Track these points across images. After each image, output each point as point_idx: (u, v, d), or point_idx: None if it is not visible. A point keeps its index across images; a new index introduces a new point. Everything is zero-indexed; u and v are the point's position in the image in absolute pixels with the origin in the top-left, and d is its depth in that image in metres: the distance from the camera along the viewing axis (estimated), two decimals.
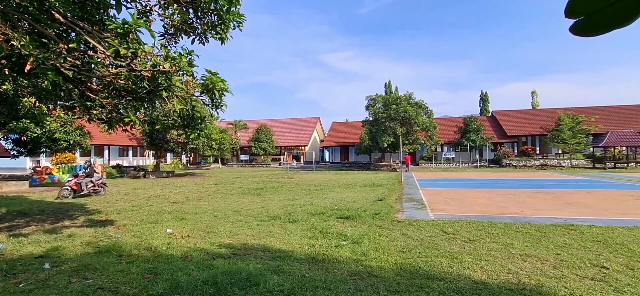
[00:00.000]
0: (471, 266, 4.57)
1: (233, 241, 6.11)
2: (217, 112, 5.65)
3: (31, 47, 3.49)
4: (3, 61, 3.79)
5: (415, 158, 41.96)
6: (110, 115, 5.48)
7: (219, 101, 5.08)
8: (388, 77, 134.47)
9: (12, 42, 3.47)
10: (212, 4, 5.05)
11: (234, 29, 5.40)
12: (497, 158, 37.42)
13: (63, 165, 23.60)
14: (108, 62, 4.27)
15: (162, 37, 5.38)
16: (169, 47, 5.18)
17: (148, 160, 42.05)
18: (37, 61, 3.52)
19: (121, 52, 3.81)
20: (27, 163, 29.55)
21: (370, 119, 36.56)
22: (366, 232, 6.60)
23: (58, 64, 3.78)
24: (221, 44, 5.34)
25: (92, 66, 4.36)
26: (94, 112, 5.64)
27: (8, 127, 15.82)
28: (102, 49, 3.95)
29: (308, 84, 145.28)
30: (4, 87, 6.42)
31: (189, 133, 6.20)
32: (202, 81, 4.90)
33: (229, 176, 26.04)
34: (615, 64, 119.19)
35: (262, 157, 46.38)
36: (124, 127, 5.81)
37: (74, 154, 27.13)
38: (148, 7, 5.11)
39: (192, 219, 8.11)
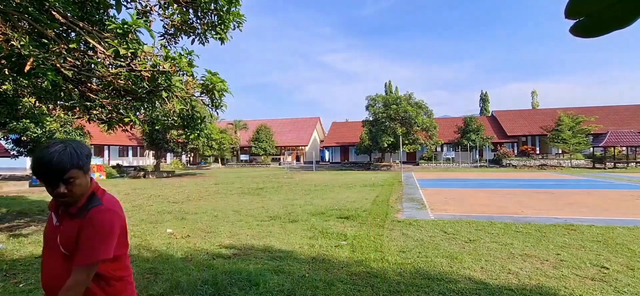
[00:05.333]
0: (471, 266, 4.56)
1: (233, 241, 6.10)
2: (217, 113, 5.65)
3: (31, 47, 3.48)
4: (3, 61, 3.79)
5: (415, 157, 41.97)
6: (110, 115, 5.48)
7: (219, 101, 5.08)
8: (388, 77, 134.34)
9: (12, 42, 3.47)
10: (212, 4, 5.04)
11: (234, 29, 5.40)
12: (497, 158, 37.41)
13: None
14: (108, 63, 4.27)
15: (162, 37, 5.38)
16: (169, 47, 5.17)
17: (148, 160, 42.04)
18: (37, 61, 3.52)
19: (121, 53, 3.80)
20: (27, 163, 29.52)
21: (370, 119, 36.58)
22: (366, 232, 6.59)
23: (58, 64, 3.77)
24: (221, 44, 5.34)
25: (92, 66, 4.36)
26: (94, 112, 5.64)
27: (8, 127, 15.82)
28: (102, 49, 3.94)
29: (309, 85, 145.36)
30: (4, 87, 6.41)
31: (189, 133, 6.20)
32: (202, 81, 4.90)
33: (229, 176, 26.04)
34: (616, 65, 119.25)
35: (262, 157, 46.38)
36: (124, 128, 5.80)
37: None
38: (148, 7, 5.11)
39: (192, 219, 8.10)
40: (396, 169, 33.19)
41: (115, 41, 3.81)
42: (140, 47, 3.97)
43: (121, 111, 5.18)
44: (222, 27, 5.21)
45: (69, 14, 4.05)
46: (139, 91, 4.36)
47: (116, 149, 38.89)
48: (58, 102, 5.28)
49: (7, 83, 5.82)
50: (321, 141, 53.27)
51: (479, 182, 18.75)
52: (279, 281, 4.02)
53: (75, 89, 4.83)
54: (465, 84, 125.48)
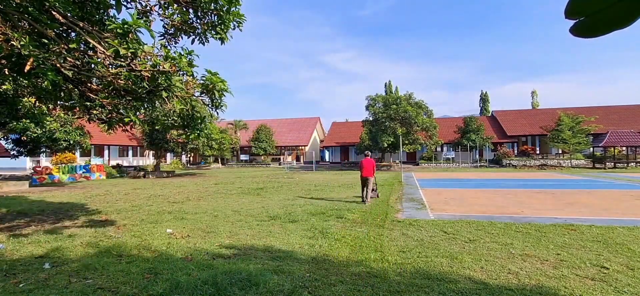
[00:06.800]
0: (471, 266, 4.57)
1: (233, 241, 6.11)
2: (217, 113, 5.66)
3: (31, 47, 3.49)
4: (3, 61, 3.79)
5: (415, 157, 41.97)
6: (110, 115, 5.48)
7: (219, 101, 5.08)
8: (388, 77, 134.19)
9: (12, 42, 3.47)
10: (212, 4, 5.05)
11: (234, 29, 5.40)
12: (497, 158, 37.41)
13: (63, 165, 23.59)
14: (108, 63, 4.27)
15: (162, 37, 5.38)
16: (169, 47, 5.18)
17: (148, 160, 42.05)
18: (37, 61, 3.52)
19: (121, 52, 3.81)
20: (27, 163, 29.54)
21: (370, 119, 36.55)
22: (366, 232, 6.60)
23: (58, 64, 3.78)
24: (221, 44, 5.34)
25: (92, 66, 4.36)
26: (94, 112, 5.64)
27: (8, 127, 15.83)
28: (102, 49, 3.95)
29: (309, 85, 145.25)
30: (4, 87, 6.42)
31: (189, 133, 6.20)
32: (202, 81, 4.91)
33: (229, 176, 26.05)
34: (616, 65, 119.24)
35: (262, 157, 46.38)
36: (124, 127, 5.81)
37: (74, 154, 27.14)
38: (148, 7, 5.11)
39: (192, 219, 8.11)
40: (396, 169, 33.20)
41: (116, 41, 3.81)
42: (141, 47, 3.97)
43: (121, 111, 5.18)
44: (222, 27, 5.22)
45: (69, 14, 4.06)
46: (139, 91, 4.36)
47: (116, 149, 38.89)
48: (58, 102, 5.28)
49: (7, 83, 5.82)
50: (321, 141, 53.28)
51: (479, 182, 18.75)
52: (279, 281, 4.02)
53: (75, 89, 4.83)
54: (465, 84, 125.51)
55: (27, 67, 3.45)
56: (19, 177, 21.23)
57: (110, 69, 4.27)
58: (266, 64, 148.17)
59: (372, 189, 11.26)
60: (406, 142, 33.46)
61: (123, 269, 4.53)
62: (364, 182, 10.85)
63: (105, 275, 4.36)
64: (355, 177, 23.47)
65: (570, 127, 33.53)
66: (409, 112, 32.89)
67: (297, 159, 50.94)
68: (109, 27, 3.92)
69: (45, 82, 3.70)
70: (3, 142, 19.53)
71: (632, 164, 31.68)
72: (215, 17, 5.22)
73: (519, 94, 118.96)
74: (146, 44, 4.14)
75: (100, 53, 4.07)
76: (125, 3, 4.87)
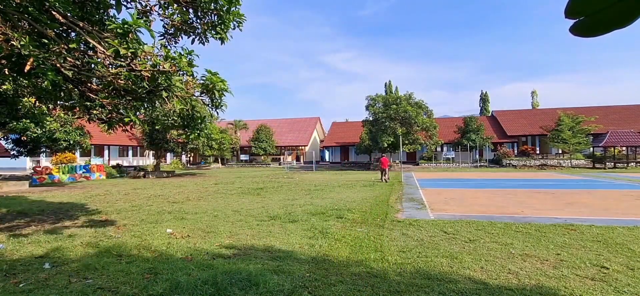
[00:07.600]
0: (471, 266, 4.57)
1: (233, 241, 6.11)
2: (217, 113, 5.66)
3: (31, 47, 3.49)
4: (3, 61, 3.79)
5: (415, 157, 41.96)
6: (110, 115, 5.48)
7: (219, 101, 5.08)
8: (388, 77, 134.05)
9: (12, 42, 3.47)
10: (212, 4, 5.05)
11: (234, 29, 5.40)
12: (497, 158, 37.41)
13: (63, 165, 23.59)
14: (108, 62, 4.27)
15: (162, 37, 5.38)
16: (169, 47, 5.18)
17: (148, 160, 42.05)
18: (37, 60, 3.52)
19: (121, 52, 3.81)
20: (27, 163, 29.54)
21: (370, 119, 36.56)
22: (366, 232, 6.60)
23: (58, 64, 3.78)
24: (221, 44, 5.35)
25: (92, 66, 4.37)
26: (94, 112, 5.64)
27: (8, 127, 15.83)
28: (102, 49, 3.95)
29: (309, 85, 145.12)
30: (4, 87, 6.42)
31: (189, 133, 6.21)
32: (202, 81, 4.91)
33: (229, 176, 26.05)
34: (616, 65, 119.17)
35: (262, 157, 46.39)
36: (124, 127, 5.81)
37: (74, 154, 27.14)
38: (148, 7, 5.12)
39: (192, 219, 8.11)
40: (396, 169, 33.20)
41: (116, 41, 3.81)
42: (141, 47, 3.97)
43: (121, 111, 5.18)
44: (222, 27, 5.22)
45: (69, 14, 4.06)
46: (139, 90, 4.36)
47: (116, 149, 38.89)
48: (58, 102, 5.28)
49: (7, 83, 5.82)
50: (321, 141, 53.28)
51: (479, 182, 18.76)
52: (279, 281, 4.02)
53: (75, 89, 4.83)
54: (465, 84, 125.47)
55: (27, 67, 3.46)
56: (19, 177, 21.23)
57: (110, 69, 4.27)
58: (266, 64, 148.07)
59: (385, 175, 19.16)
60: (406, 142, 33.46)
61: (123, 269, 4.53)
62: (382, 171, 19.18)
63: (105, 275, 4.37)
64: (355, 177, 23.54)
65: (570, 127, 33.54)
66: (409, 112, 32.90)
67: (297, 159, 50.94)
68: (109, 27, 3.93)
69: (45, 82, 3.71)
70: (3, 142, 19.54)
71: (632, 164, 31.68)
72: (215, 17, 5.22)
73: (519, 94, 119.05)
74: (146, 44, 4.14)
75: (100, 53, 4.08)
76: (125, 3, 4.87)
